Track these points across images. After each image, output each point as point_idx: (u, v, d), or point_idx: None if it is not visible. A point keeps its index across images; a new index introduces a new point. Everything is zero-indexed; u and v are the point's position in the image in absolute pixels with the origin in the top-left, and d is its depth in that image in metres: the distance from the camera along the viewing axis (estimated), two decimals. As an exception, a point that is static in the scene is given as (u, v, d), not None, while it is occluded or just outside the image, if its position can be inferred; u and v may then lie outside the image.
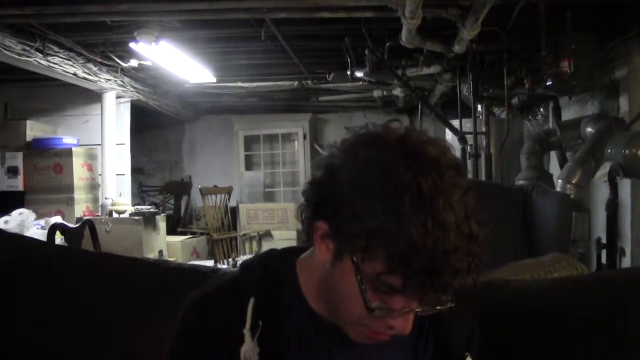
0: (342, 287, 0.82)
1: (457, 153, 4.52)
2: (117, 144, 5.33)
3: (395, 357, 0.92)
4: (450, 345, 0.94)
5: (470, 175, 4.43)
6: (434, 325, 0.93)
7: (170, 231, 5.88)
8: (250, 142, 7.42)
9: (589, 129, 3.62)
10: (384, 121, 0.87)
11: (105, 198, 5.17)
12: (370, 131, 0.84)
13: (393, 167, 0.76)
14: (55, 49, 4.02)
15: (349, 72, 4.64)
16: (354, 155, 0.81)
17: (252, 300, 0.89)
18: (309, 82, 5.58)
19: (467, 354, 0.94)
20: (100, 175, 5.29)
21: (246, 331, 0.87)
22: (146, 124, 6.99)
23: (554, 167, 4.64)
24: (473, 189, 0.80)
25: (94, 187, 5.27)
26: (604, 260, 3.29)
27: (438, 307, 0.81)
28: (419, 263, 0.73)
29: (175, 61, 4.41)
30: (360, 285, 0.79)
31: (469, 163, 4.48)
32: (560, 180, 3.48)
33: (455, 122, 4.74)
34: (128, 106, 5.60)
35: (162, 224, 5.23)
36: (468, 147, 4.47)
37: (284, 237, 6.22)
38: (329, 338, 0.89)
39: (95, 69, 4.57)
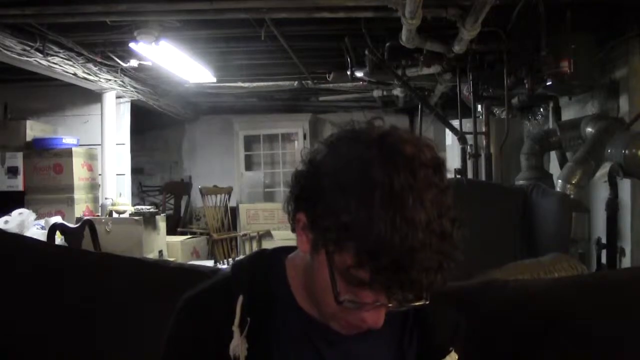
0: (318, 278, 0.84)
1: (457, 153, 4.54)
2: (117, 144, 5.33)
3: (380, 352, 0.93)
4: (435, 339, 0.95)
5: (470, 175, 4.43)
6: (418, 319, 0.94)
7: (170, 231, 5.88)
8: (250, 142, 7.42)
9: (589, 129, 3.62)
10: (386, 121, 0.88)
11: (105, 198, 5.17)
12: (353, 128, 0.86)
13: (368, 163, 0.78)
14: (55, 49, 4.02)
15: (349, 72, 4.64)
16: (334, 150, 0.83)
17: (240, 298, 0.91)
18: (309, 82, 5.59)
19: (451, 348, 0.95)
20: (100, 175, 5.29)
21: (235, 327, 0.89)
22: (146, 124, 6.99)
23: (554, 167, 4.64)
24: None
25: (94, 187, 5.27)
26: (604, 260, 3.29)
27: (412, 304, 0.82)
28: (386, 259, 0.75)
29: (175, 61, 4.41)
30: (332, 277, 0.81)
31: (469, 163, 4.48)
32: (560, 180, 3.48)
33: (455, 122, 4.74)
34: (128, 106, 5.60)
35: (162, 224, 5.23)
36: (468, 147, 4.47)
37: (284, 237, 6.21)
38: (316, 335, 0.90)
39: (95, 69, 4.57)
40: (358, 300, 0.81)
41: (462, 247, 0.80)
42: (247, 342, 0.88)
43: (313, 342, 0.91)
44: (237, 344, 0.88)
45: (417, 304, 0.82)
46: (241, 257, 5.13)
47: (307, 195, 0.84)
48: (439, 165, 0.81)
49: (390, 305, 0.81)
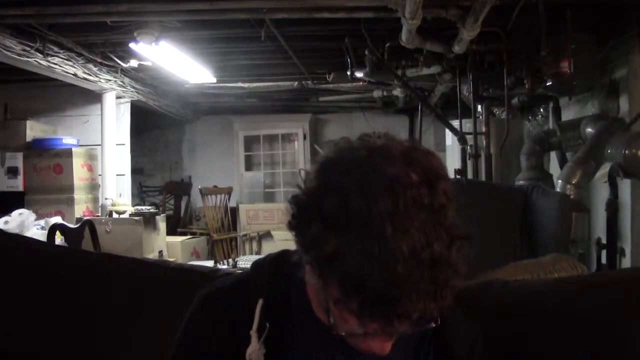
0: (321, 301, 0.83)
1: (457, 153, 4.54)
2: (117, 144, 5.33)
3: None
4: (452, 352, 0.93)
5: (470, 176, 4.43)
6: (436, 332, 0.92)
7: (170, 231, 5.88)
8: (250, 142, 7.42)
9: (589, 129, 3.62)
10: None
11: (105, 198, 5.17)
12: (339, 149, 0.82)
13: (346, 192, 0.74)
14: (55, 49, 4.02)
15: (349, 73, 4.64)
16: (319, 178, 0.80)
17: (260, 302, 0.89)
18: (309, 82, 5.59)
19: None
20: (100, 175, 5.29)
21: (253, 332, 0.88)
22: (146, 124, 7.00)
23: (554, 167, 4.64)
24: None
25: (94, 187, 5.27)
26: (604, 260, 3.29)
27: (420, 327, 0.79)
28: (369, 292, 0.71)
29: (175, 61, 4.41)
30: (327, 307, 0.79)
31: (469, 163, 4.48)
32: (560, 181, 3.48)
33: (455, 123, 4.74)
34: (128, 106, 5.60)
35: (162, 224, 5.24)
36: (468, 147, 4.47)
37: (284, 238, 6.21)
38: (332, 345, 0.88)
39: (95, 69, 4.57)
40: (354, 331, 0.78)
41: (465, 268, 0.76)
42: (264, 347, 0.87)
43: (329, 351, 0.89)
44: (254, 350, 0.87)
45: (424, 327, 0.79)
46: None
47: (297, 223, 0.81)
48: (435, 181, 0.75)
49: (390, 335, 0.79)
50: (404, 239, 0.71)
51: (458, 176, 4.29)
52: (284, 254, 0.99)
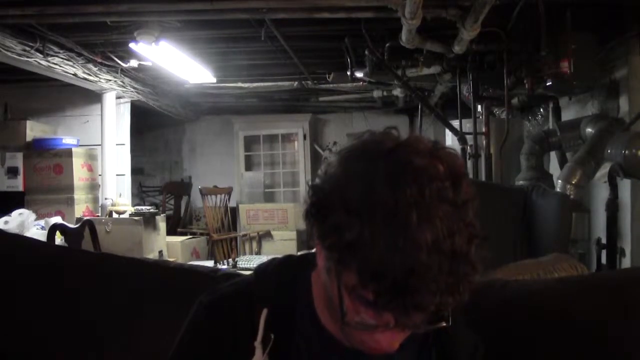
0: (332, 294, 0.82)
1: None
2: (117, 145, 5.33)
3: None
4: None
5: (470, 176, 4.42)
6: (438, 340, 0.92)
7: (170, 231, 5.88)
8: (250, 142, 7.42)
9: (589, 129, 3.63)
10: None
11: (105, 198, 5.17)
12: (364, 140, 0.81)
13: (372, 179, 0.74)
14: (56, 49, 4.03)
15: (349, 73, 4.64)
16: (343, 166, 0.79)
17: (264, 312, 0.88)
18: (309, 82, 5.59)
19: None
20: (100, 175, 5.30)
21: (257, 344, 0.86)
22: (146, 124, 7.00)
23: (554, 167, 4.64)
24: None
25: (93, 187, 5.27)
26: (604, 260, 3.29)
27: (430, 326, 0.78)
28: (388, 281, 0.71)
29: (176, 61, 4.41)
30: (339, 296, 0.78)
31: (469, 163, 4.48)
32: (560, 181, 3.49)
33: (455, 123, 4.74)
34: (128, 106, 5.60)
35: (162, 225, 5.24)
36: (468, 147, 4.47)
37: (284, 238, 6.22)
38: (336, 354, 0.88)
39: (95, 69, 4.57)
40: (365, 322, 0.77)
41: (481, 268, 0.75)
42: (268, 359, 0.86)
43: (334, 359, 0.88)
44: None
45: (435, 326, 0.78)
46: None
47: (317, 210, 0.80)
48: (458, 178, 0.75)
49: (398, 328, 0.77)
50: (428, 229, 0.71)
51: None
52: (289, 259, 0.98)
